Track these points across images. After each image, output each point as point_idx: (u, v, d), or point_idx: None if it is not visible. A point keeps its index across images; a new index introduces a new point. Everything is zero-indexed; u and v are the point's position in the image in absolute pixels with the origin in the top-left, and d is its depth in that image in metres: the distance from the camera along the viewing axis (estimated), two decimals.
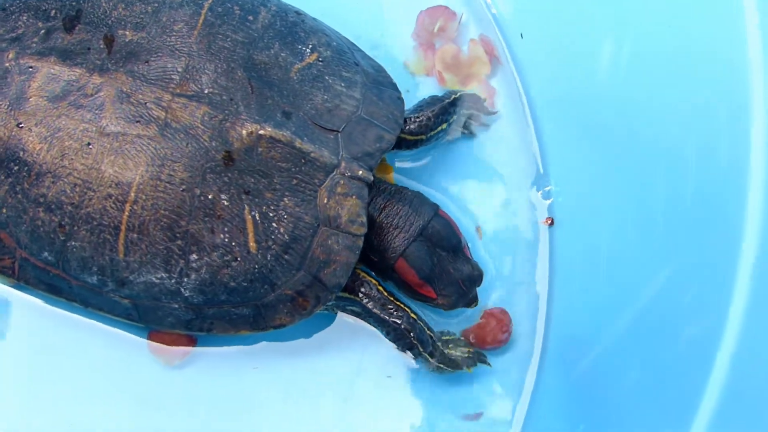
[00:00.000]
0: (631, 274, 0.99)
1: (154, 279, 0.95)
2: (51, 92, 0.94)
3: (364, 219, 0.96)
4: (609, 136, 1.05)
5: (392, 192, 1.02)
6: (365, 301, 1.02)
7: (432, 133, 1.08)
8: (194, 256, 0.93)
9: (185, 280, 0.94)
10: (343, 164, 0.95)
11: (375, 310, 1.02)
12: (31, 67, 0.95)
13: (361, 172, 0.96)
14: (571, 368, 1.02)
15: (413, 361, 1.05)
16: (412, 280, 1.00)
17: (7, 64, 0.95)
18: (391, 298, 1.02)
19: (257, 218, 0.93)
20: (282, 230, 0.94)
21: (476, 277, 1.02)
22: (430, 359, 1.04)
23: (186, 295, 0.95)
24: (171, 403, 1.03)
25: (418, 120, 1.07)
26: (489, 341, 1.06)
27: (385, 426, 1.04)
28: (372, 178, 0.97)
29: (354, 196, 0.95)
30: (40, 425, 1.01)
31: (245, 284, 0.95)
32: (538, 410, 1.03)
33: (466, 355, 1.04)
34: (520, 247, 1.10)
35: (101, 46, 0.96)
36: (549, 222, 1.10)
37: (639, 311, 0.96)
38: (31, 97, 0.94)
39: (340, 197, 0.95)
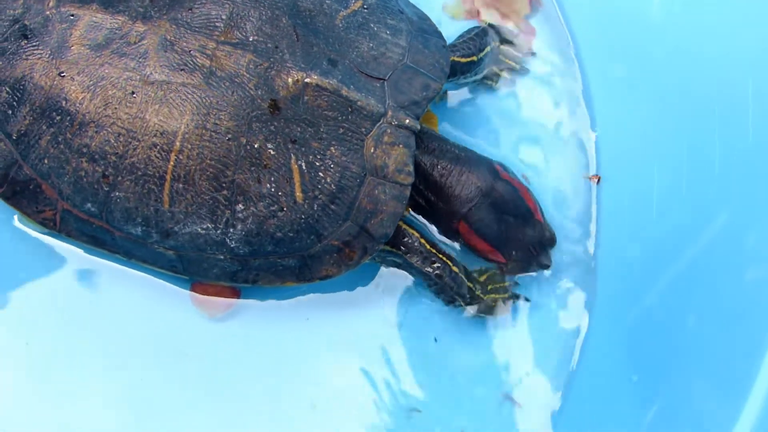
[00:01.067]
0: (685, 221, 0.97)
1: (199, 230, 0.94)
2: (93, 40, 0.92)
3: (411, 168, 0.95)
4: (660, 85, 1.04)
5: (445, 150, 1.01)
6: (407, 254, 1.01)
7: (481, 54, 1.08)
8: (240, 206, 0.92)
9: (231, 230, 0.93)
10: (389, 113, 0.94)
11: (417, 264, 1.01)
12: (72, 15, 0.93)
13: (408, 121, 0.94)
14: (622, 319, 1.01)
15: (459, 318, 1.04)
16: (478, 245, 0.99)
17: (48, 12, 0.93)
18: (433, 251, 1.01)
19: (304, 168, 0.92)
20: (329, 180, 0.93)
21: (547, 239, 1.00)
22: (468, 310, 1.03)
23: (232, 246, 0.94)
24: (214, 355, 1.02)
25: (464, 44, 1.08)
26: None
27: (428, 382, 1.04)
28: (419, 127, 0.95)
29: (401, 145, 0.94)
30: (83, 377, 1.00)
31: (291, 235, 0.94)
32: (588, 362, 1.02)
33: (504, 294, 1.03)
34: (566, 199, 1.09)
35: None
36: (596, 180, 1.08)
37: (694, 259, 0.95)
38: (73, 46, 0.92)
39: (387, 146, 0.94)
